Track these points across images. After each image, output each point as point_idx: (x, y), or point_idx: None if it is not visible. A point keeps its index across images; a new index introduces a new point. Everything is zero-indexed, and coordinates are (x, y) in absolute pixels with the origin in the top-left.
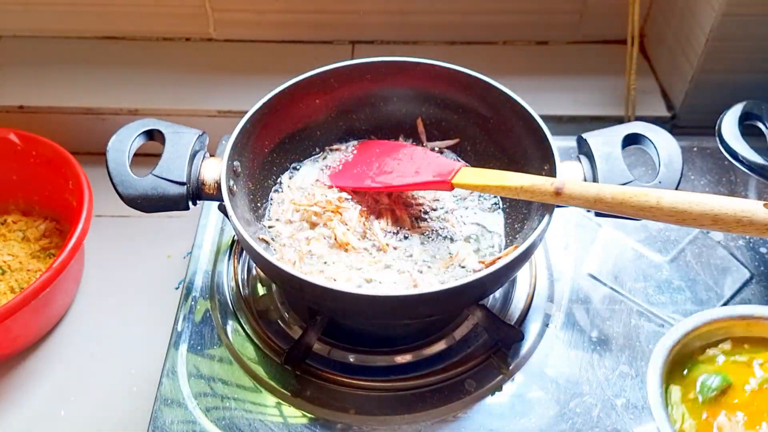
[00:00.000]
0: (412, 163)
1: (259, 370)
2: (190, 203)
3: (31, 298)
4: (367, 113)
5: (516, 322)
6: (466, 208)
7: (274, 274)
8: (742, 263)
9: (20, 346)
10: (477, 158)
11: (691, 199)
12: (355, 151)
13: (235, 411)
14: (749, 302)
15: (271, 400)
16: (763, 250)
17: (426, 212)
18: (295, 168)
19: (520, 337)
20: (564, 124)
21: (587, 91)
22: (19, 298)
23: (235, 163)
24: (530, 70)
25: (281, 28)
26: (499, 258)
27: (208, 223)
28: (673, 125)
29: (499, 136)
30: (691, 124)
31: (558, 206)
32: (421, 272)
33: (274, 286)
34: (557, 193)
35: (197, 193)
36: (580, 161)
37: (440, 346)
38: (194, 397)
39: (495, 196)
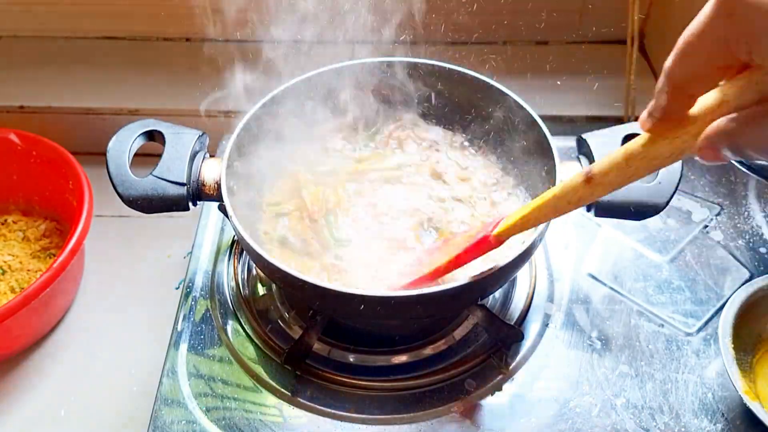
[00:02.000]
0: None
1: (259, 370)
2: (190, 204)
3: (32, 298)
4: (367, 112)
5: (516, 322)
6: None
7: (274, 274)
8: (741, 263)
9: (20, 346)
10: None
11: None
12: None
13: (235, 411)
14: None
15: (271, 399)
16: (762, 250)
17: None
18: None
19: (520, 337)
20: (564, 124)
21: (587, 91)
22: (19, 298)
23: (235, 163)
24: (530, 70)
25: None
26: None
27: (208, 223)
28: None
29: (499, 136)
30: None
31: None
32: None
33: (274, 286)
34: (588, 179)
35: (197, 193)
36: (580, 161)
37: (440, 346)
38: (194, 396)
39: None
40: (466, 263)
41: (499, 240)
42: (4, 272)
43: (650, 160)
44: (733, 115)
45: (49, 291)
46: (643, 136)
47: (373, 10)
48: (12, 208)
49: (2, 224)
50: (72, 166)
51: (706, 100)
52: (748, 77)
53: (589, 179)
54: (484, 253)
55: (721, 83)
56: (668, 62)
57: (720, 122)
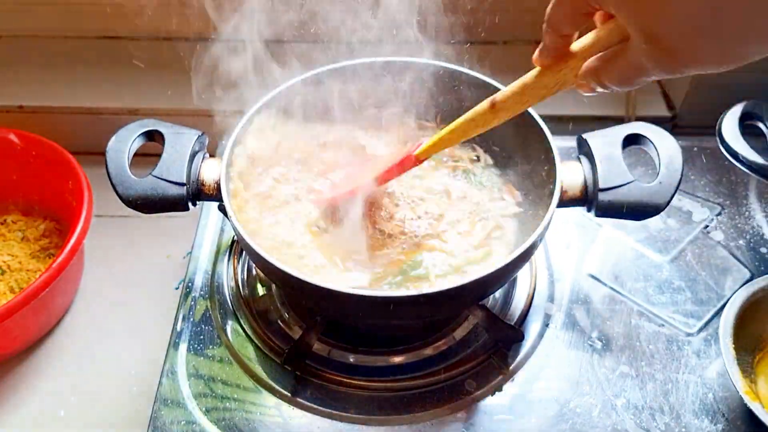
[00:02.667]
0: (380, 164)
1: (259, 370)
2: (190, 204)
3: (31, 298)
4: (367, 113)
5: (516, 322)
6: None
7: (273, 274)
8: (742, 263)
9: (20, 346)
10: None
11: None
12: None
13: (235, 411)
14: None
15: (270, 400)
16: (763, 250)
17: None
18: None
19: (521, 337)
20: (564, 124)
21: None
22: (19, 298)
23: (235, 163)
24: (530, 70)
25: (281, 29)
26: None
27: (208, 223)
28: (673, 125)
29: (499, 136)
30: (691, 124)
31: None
32: None
33: (274, 287)
34: (492, 105)
35: (197, 193)
36: (581, 161)
37: (440, 346)
38: (194, 397)
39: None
40: (390, 180)
41: (419, 159)
42: (3, 272)
43: (539, 89)
44: (599, 54)
45: (48, 291)
46: (535, 70)
47: (368, 10)
48: (11, 208)
49: (1, 224)
50: (72, 166)
51: (584, 41)
52: (615, 22)
53: (493, 105)
54: (406, 171)
55: (599, 26)
56: (548, 10)
57: (589, 62)
